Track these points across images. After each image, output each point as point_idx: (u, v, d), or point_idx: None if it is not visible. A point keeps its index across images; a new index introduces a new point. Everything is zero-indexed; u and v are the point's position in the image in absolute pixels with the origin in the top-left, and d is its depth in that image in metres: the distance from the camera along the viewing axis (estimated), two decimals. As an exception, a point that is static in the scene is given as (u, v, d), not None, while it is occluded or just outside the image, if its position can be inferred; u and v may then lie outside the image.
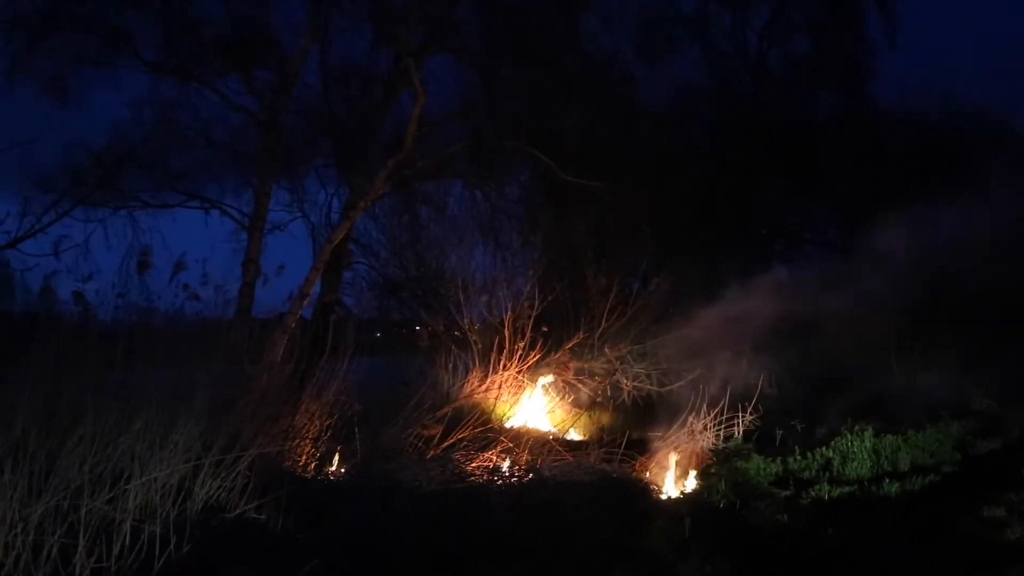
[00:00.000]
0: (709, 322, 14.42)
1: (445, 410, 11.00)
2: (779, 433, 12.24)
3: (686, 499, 10.52)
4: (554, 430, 13.55)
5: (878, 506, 9.27)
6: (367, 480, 8.80)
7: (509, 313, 13.97)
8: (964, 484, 9.76)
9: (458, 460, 10.06)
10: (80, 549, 5.45)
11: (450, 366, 13.47)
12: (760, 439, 12.25)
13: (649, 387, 14.33)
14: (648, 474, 11.38)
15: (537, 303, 14.05)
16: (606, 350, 14.41)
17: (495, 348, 13.42)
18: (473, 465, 10.12)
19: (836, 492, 9.70)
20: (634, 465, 11.36)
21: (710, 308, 14.67)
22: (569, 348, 14.32)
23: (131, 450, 6.51)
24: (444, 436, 10.30)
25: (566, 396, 14.37)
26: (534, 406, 14.03)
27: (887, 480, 9.86)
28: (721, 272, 15.25)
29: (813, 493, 9.70)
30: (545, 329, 14.15)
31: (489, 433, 10.76)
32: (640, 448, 11.81)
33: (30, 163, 12.25)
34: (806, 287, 18.02)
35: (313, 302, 14.06)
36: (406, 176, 13.77)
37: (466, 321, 14.69)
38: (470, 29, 14.41)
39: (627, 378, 14.40)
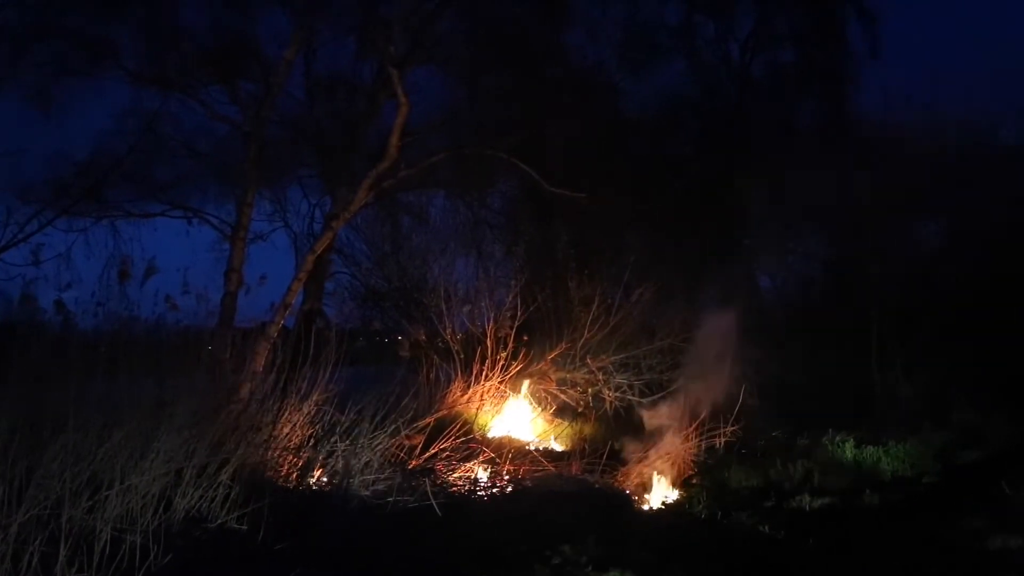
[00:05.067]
0: (691, 333, 14.44)
1: (427, 420, 10.99)
2: (761, 444, 12.28)
3: (668, 510, 10.54)
4: (536, 440, 13.55)
5: (859, 517, 9.31)
6: (349, 490, 8.79)
7: (491, 323, 13.99)
8: (945, 495, 9.81)
9: (440, 470, 10.07)
10: (61, 558, 5.43)
11: (432, 376, 13.47)
12: (742, 450, 12.28)
13: (631, 398, 14.34)
14: (630, 485, 11.39)
15: (519, 313, 14.07)
16: (588, 360, 14.42)
17: (477, 358, 13.43)
18: (455, 475, 10.13)
19: (817, 503, 9.74)
20: (616, 476, 11.37)
21: (692, 319, 14.69)
22: (551, 358, 14.33)
23: (112, 460, 6.50)
24: (426, 446, 10.29)
25: (548, 406, 14.38)
26: (516, 416, 14.03)
27: (868, 491, 9.90)
28: (704, 282, 15.26)
29: (794, 504, 9.73)
30: (526, 339, 14.17)
31: (471, 443, 10.76)
32: (622, 459, 11.82)
33: (13, 173, 12.23)
34: (788, 297, 18.11)
35: (295, 312, 14.05)
36: (389, 186, 13.76)
37: (448, 331, 14.68)
38: (454, 40, 14.42)
39: (609, 389, 14.41)
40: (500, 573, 7.02)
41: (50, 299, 9.03)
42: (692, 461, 11.85)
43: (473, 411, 12.99)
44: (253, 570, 6.28)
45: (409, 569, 6.79)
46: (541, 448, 12.89)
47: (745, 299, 15.53)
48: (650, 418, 12.69)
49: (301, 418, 9.42)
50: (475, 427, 12.25)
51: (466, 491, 9.79)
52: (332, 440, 9.42)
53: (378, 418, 9.67)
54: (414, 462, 10.00)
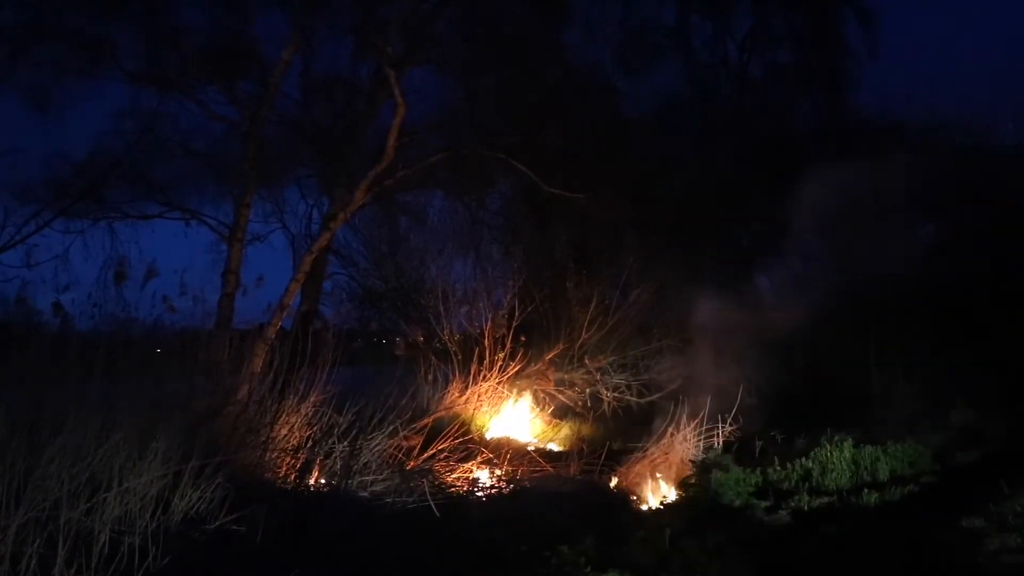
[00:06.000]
0: (689, 333, 14.43)
1: (425, 421, 10.98)
2: (759, 444, 12.25)
3: (666, 510, 10.52)
4: (534, 441, 13.55)
5: (857, 516, 9.29)
6: (347, 491, 8.79)
7: (489, 324, 13.99)
8: (943, 495, 9.78)
9: (438, 471, 10.06)
10: (59, 560, 5.42)
11: (430, 377, 13.47)
12: (740, 450, 12.25)
13: (629, 398, 14.34)
14: (628, 485, 11.38)
15: (517, 314, 14.06)
16: (586, 361, 14.42)
17: (475, 359, 13.42)
18: (453, 476, 10.12)
19: (816, 503, 9.71)
20: (614, 476, 11.36)
21: (690, 319, 14.68)
22: (549, 359, 14.32)
23: (110, 461, 6.49)
24: (424, 447, 10.29)
25: (546, 407, 14.37)
26: (514, 417, 14.02)
27: (866, 491, 9.87)
28: (702, 283, 15.24)
29: (793, 504, 9.70)
30: (524, 340, 14.16)
31: (469, 444, 10.76)
32: (620, 459, 11.81)
33: (11, 174, 12.20)
34: (786, 297, 18.08)
35: (293, 313, 14.03)
36: (387, 187, 13.74)
37: (446, 332, 14.67)
38: (452, 40, 14.40)
39: (607, 389, 14.40)
40: (499, 573, 7.01)
41: (48, 301, 9.04)
42: (691, 461, 11.84)
43: (471, 412, 12.99)
44: (252, 571, 6.27)
45: (408, 569, 6.79)
46: (539, 448, 12.88)
47: (743, 299, 15.51)
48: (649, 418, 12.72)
49: (299, 419, 9.41)
50: (473, 428, 12.26)
51: (464, 492, 9.78)
52: (330, 441, 9.42)
53: (376, 419, 9.67)
54: (412, 463, 9.99)
